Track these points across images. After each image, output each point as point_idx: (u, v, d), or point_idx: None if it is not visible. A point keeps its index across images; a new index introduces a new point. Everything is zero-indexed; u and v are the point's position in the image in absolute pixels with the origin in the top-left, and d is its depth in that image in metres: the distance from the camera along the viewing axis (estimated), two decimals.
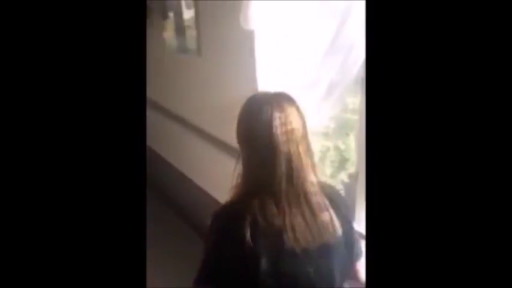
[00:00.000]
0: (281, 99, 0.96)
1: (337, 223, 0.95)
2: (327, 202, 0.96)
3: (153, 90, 2.51)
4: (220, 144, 2.21)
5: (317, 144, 1.97)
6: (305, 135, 0.96)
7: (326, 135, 1.86)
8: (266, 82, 1.74)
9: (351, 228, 1.03)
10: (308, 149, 0.96)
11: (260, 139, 0.91)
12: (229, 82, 2.15)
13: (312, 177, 0.96)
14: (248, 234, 0.87)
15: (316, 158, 2.08)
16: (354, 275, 1.11)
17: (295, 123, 0.93)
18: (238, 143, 0.99)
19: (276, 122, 0.90)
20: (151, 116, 2.24)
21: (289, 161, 0.91)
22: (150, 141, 2.73)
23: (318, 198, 0.95)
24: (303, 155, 0.93)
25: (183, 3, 2.61)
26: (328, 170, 2.00)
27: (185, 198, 3.03)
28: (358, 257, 1.10)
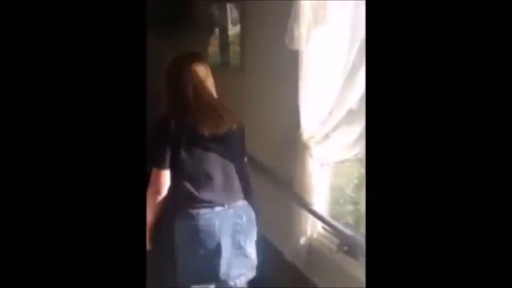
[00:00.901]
0: (193, 59, 1.54)
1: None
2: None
3: None
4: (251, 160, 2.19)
5: (353, 171, 1.91)
6: (207, 76, 1.54)
7: (362, 162, 1.79)
8: (309, 104, 1.72)
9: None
10: (211, 82, 1.56)
11: (178, 81, 1.49)
12: (271, 100, 2.15)
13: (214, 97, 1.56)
14: (172, 128, 1.42)
15: (352, 185, 2.03)
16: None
17: (199, 70, 1.51)
18: (166, 85, 1.53)
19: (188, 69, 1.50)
20: None
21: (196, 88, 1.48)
22: None
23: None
24: (208, 85, 1.53)
25: (229, 19, 2.65)
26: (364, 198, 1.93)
27: None
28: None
